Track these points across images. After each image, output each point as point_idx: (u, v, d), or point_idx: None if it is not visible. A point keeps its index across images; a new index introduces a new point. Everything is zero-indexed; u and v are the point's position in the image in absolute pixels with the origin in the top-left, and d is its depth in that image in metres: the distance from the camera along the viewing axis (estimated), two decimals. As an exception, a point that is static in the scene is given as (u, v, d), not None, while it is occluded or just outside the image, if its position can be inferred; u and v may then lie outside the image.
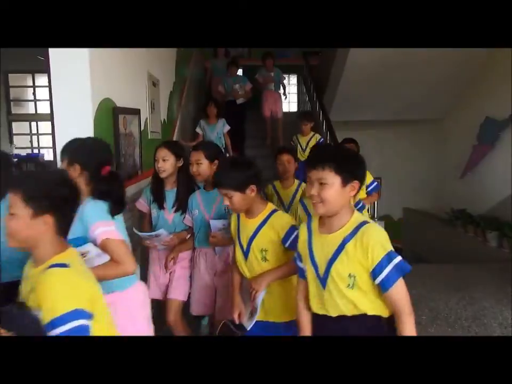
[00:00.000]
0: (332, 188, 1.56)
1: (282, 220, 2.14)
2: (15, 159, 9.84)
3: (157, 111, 4.31)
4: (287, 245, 2.10)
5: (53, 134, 2.55)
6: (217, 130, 5.52)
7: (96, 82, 2.55)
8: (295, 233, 2.01)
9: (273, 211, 2.18)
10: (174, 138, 5.50)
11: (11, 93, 10.27)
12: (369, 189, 4.14)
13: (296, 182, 3.54)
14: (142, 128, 3.60)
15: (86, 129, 2.50)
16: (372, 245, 1.57)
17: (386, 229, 5.42)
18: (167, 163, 2.70)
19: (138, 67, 3.61)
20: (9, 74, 10.08)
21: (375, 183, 4.23)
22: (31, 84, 10.39)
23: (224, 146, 5.48)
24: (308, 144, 5.53)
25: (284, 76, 7.55)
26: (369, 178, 3.77)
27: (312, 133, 5.63)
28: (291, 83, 12.44)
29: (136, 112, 3.40)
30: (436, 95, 7.82)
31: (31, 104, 10.51)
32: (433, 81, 7.31)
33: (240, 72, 12.59)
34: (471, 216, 7.06)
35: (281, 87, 7.23)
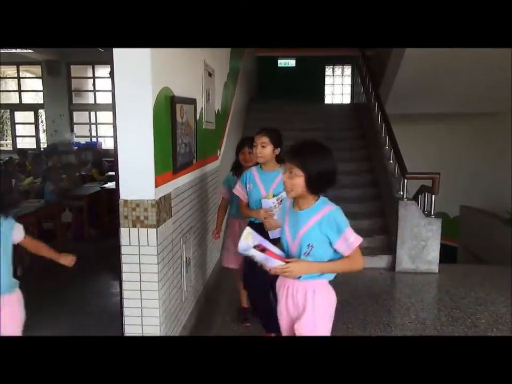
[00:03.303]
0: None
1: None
2: (75, 147, 10.34)
3: (212, 101, 4.34)
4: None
5: (114, 122, 2.62)
6: None
7: (156, 71, 2.59)
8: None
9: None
10: (227, 130, 5.54)
11: (72, 83, 10.75)
12: None
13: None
14: (197, 118, 3.63)
15: (145, 118, 2.55)
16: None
17: (442, 226, 5.18)
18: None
19: (195, 56, 3.64)
20: (71, 66, 10.54)
21: None
22: (91, 75, 10.81)
23: None
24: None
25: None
26: None
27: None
28: (345, 74, 12.19)
29: (193, 101, 3.43)
30: (499, 87, 7.36)
31: (91, 94, 10.94)
32: (497, 72, 6.88)
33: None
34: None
35: None
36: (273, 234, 2.84)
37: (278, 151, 2.91)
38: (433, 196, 4.91)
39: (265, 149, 2.86)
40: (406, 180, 5.05)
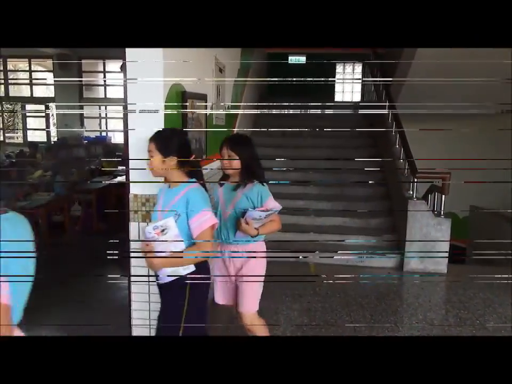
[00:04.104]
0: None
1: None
2: (85, 141, 10.40)
3: (222, 97, 4.34)
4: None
5: (125, 117, 2.63)
6: None
7: (168, 66, 2.59)
8: None
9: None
10: (237, 126, 5.54)
11: (83, 77, 10.80)
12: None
13: None
14: (208, 113, 3.63)
15: (157, 114, 2.56)
16: None
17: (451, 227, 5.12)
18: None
19: (206, 52, 3.64)
20: (82, 60, 10.59)
21: None
22: (102, 70, 10.86)
23: None
24: None
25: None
26: None
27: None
28: (356, 71, 12.13)
29: (203, 97, 3.44)
30: (506, 86, 7.28)
31: (101, 88, 10.99)
32: (509, 70, 6.80)
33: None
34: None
35: None
36: (161, 276, 2.12)
37: (171, 160, 2.10)
38: (443, 196, 4.87)
39: (153, 159, 2.12)
40: (416, 179, 5.02)
